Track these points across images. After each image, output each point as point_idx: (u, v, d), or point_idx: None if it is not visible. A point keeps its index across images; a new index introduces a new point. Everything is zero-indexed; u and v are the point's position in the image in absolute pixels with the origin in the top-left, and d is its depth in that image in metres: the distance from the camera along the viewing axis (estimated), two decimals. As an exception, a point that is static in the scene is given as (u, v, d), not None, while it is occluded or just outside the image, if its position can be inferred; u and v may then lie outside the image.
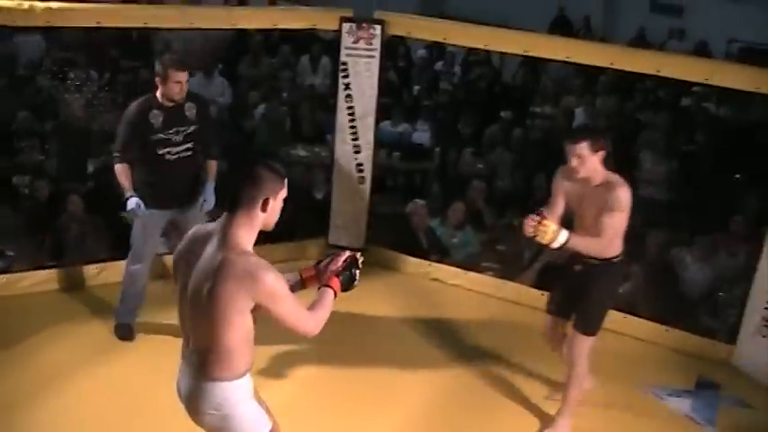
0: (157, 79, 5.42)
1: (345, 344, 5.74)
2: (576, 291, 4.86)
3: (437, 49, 11.41)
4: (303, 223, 7.30)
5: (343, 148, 7.03)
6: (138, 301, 5.74)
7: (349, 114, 6.96)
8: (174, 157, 5.48)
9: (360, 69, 6.89)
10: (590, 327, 4.86)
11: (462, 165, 8.56)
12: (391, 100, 9.51)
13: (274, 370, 5.43)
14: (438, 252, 7.17)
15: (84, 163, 7.82)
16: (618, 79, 9.67)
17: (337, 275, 3.47)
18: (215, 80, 9.44)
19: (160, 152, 5.43)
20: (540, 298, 6.51)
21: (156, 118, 5.41)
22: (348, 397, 5.29)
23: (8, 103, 8.46)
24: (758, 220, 6.84)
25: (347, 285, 3.50)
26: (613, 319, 6.27)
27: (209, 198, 5.65)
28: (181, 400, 3.40)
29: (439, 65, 11.24)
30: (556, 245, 4.52)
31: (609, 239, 4.65)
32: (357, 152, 7.02)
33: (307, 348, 5.60)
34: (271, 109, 9.26)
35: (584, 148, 4.56)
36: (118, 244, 6.01)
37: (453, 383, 5.54)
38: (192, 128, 5.51)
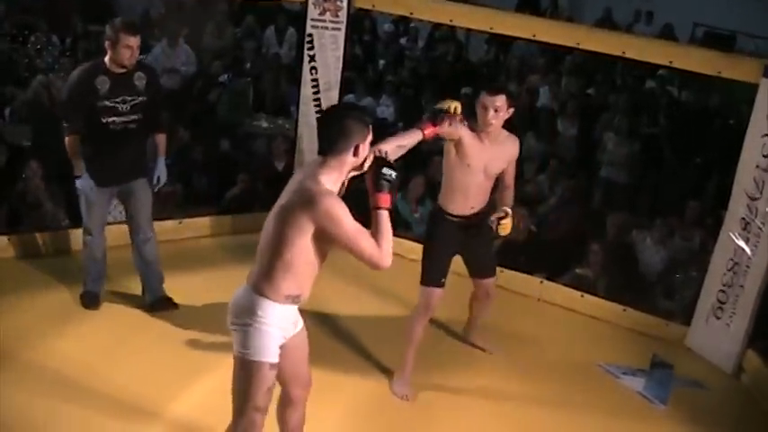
0: (107, 43, 5.15)
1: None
2: (476, 245, 5.10)
3: (403, 23, 11.39)
4: (263, 194, 7.26)
5: (306, 119, 6.98)
6: (99, 269, 5.62)
7: (313, 87, 6.90)
8: (120, 127, 5.23)
9: (325, 42, 6.83)
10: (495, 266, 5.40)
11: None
12: (356, 74, 9.49)
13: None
14: (399, 226, 7.15)
15: (44, 129, 7.69)
16: (584, 60, 9.72)
17: (377, 188, 3.49)
18: (180, 48, 9.32)
19: (104, 120, 5.18)
20: (499, 274, 6.56)
21: (103, 84, 5.16)
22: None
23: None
24: (715, 206, 6.93)
25: (389, 186, 3.50)
26: (571, 297, 6.40)
27: (161, 174, 5.55)
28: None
29: (404, 40, 11.21)
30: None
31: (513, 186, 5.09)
32: (320, 124, 6.97)
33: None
34: (234, 80, 9.18)
35: (503, 100, 4.74)
36: (77, 212, 5.91)
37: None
38: (141, 99, 5.28)
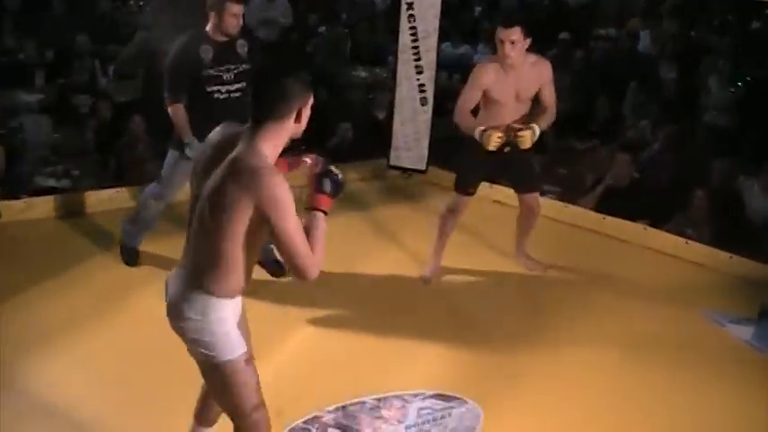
0: (211, 12, 5.07)
1: (415, 263, 5.82)
2: (514, 165, 5.38)
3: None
4: (363, 144, 7.32)
5: (405, 68, 6.98)
6: (148, 226, 5.57)
7: (411, 35, 6.90)
8: (224, 96, 5.15)
9: (422, -11, 6.81)
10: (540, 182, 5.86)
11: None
12: (450, 21, 9.42)
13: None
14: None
15: (149, 85, 7.86)
16: (685, 0, 9.45)
17: (320, 188, 3.10)
18: (277, 2, 9.38)
19: (209, 90, 5.12)
20: (601, 221, 6.54)
21: (207, 53, 5.08)
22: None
23: (69, 26, 8.51)
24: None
25: (334, 188, 3.11)
26: (676, 244, 6.30)
27: None
28: (166, 305, 3.18)
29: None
30: (535, 139, 5.14)
31: (555, 107, 5.29)
32: (419, 73, 6.97)
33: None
34: (330, 30, 9.22)
35: (518, 32, 4.92)
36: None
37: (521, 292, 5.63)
38: (244, 66, 5.19)
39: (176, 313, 3.09)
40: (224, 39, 5.14)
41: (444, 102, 7.69)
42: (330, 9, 9.83)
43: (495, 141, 5.04)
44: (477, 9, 10.53)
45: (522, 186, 5.56)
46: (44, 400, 4.27)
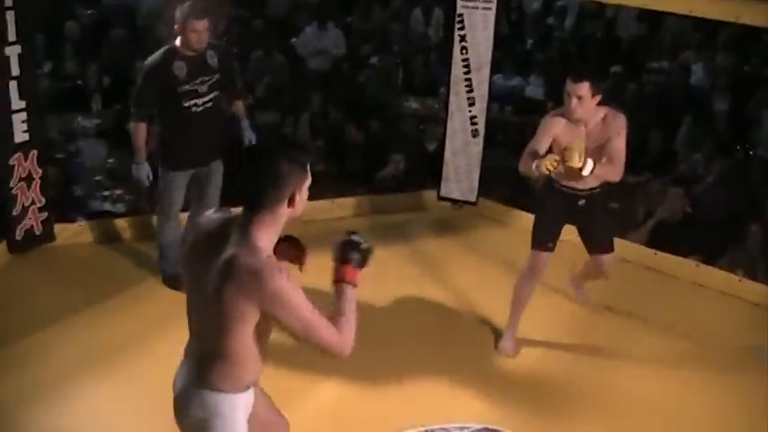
0: (176, 27, 5.22)
1: (461, 297, 5.81)
2: (587, 222, 5.12)
3: (551, 1, 11.23)
4: (414, 175, 7.34)
5: (457, 100, 7.00)
6: (176, 249, 5.66)
7: (464, 66, 6.91)
8: (201, 108, 5.33)
9: (476, 21, 6.82)
10: (613, 244, 5.27)
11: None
12: (503, 53, 9.43)
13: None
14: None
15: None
16: (740, 34, 9.36)
17: (345, 259, 2.92)
18: (330, 32, 9.49)
19: (187, 104, 5.27)
20: (652, 257, 6.47)
21: (181, 69, 5.23)
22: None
23: (127, 52, 8.64)
24: None
25: (360, 258, 2.94)
26: (728, 281, 6.21)
27: (251, 136, 5.71)
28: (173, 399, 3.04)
29: (551, 18, 11.05)
30: (586, 171, 4.66)
31: (623, 164, 4.85)
32: (471, 104, 6.98)
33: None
34: (382, 60, 9.28)
35: (586, 88, 4.64)
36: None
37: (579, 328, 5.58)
38: (216, 77, 5.36)
39: (181, 410, 2.96)
40: (193, 53, 5.27)
41: (495, 134, 7.73)
42: (383, 39, 9.89)
43: (550, 164, 4.67)
44: (530, 41, 10.53)
45: (594, 247, 5.23)
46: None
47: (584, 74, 4.70)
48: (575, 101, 4.67)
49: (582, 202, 5.01)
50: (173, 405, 3.01)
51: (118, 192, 6.96)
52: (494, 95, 7.53)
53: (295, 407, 4.06)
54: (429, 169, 7.34)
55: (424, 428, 4.37)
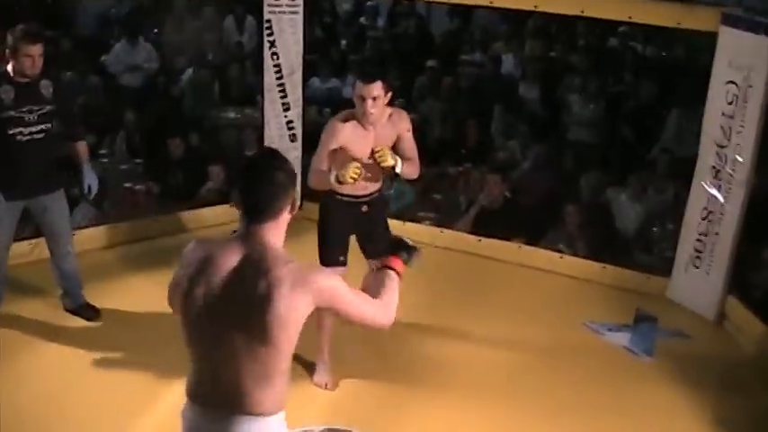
0: (7, 52, 4.95)
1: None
2: (370, 227, 4.90)
3: (362, 1, 11.35)
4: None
5: (272, 106, 6.96)
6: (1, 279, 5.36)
7: (276, 72, 6.89)
8: (27, 138, 5.02)
9: (284, 26, 6.82)
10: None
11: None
12: (319, 56, 9.46)
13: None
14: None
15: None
16: (544, 23, 9.70)
17: (399, 256, 3.18)
18: (141, 46, 9.26)
19: (11, 132, 4.98)
20: (477, 243, 6.63)
21: (8, 94, 4.95)
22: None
23: None
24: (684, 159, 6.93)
25: (408, 258, 3.22)
26: (551, 259, 6.43)
27: (92, 182, 5.35)
28: None
29: (363, 18, 11.17)
30: (398, 168, 4.65)
31: (418, 159, 4.86)
32: (287, 109, 6.96)
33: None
34: (197, 72, 9.13)
35: (380, 87, 4.54)
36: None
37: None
38: (48, 108, 5.07)
39: None
40: (25, 80, 5.02)
41: (315, 137, 7.71)
42: (197, 50, 9.71)
43: (353, 172, 4.52)
44: (344, 42, 10.60)
45: (374, 251, 4.71)
46: None
47: (375, 74, 4.61)
48: (370, 102, 4.54)
49: (365, 208, 4.87)
50: None
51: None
52: (311, 98, 7.54)
53: None
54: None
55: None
